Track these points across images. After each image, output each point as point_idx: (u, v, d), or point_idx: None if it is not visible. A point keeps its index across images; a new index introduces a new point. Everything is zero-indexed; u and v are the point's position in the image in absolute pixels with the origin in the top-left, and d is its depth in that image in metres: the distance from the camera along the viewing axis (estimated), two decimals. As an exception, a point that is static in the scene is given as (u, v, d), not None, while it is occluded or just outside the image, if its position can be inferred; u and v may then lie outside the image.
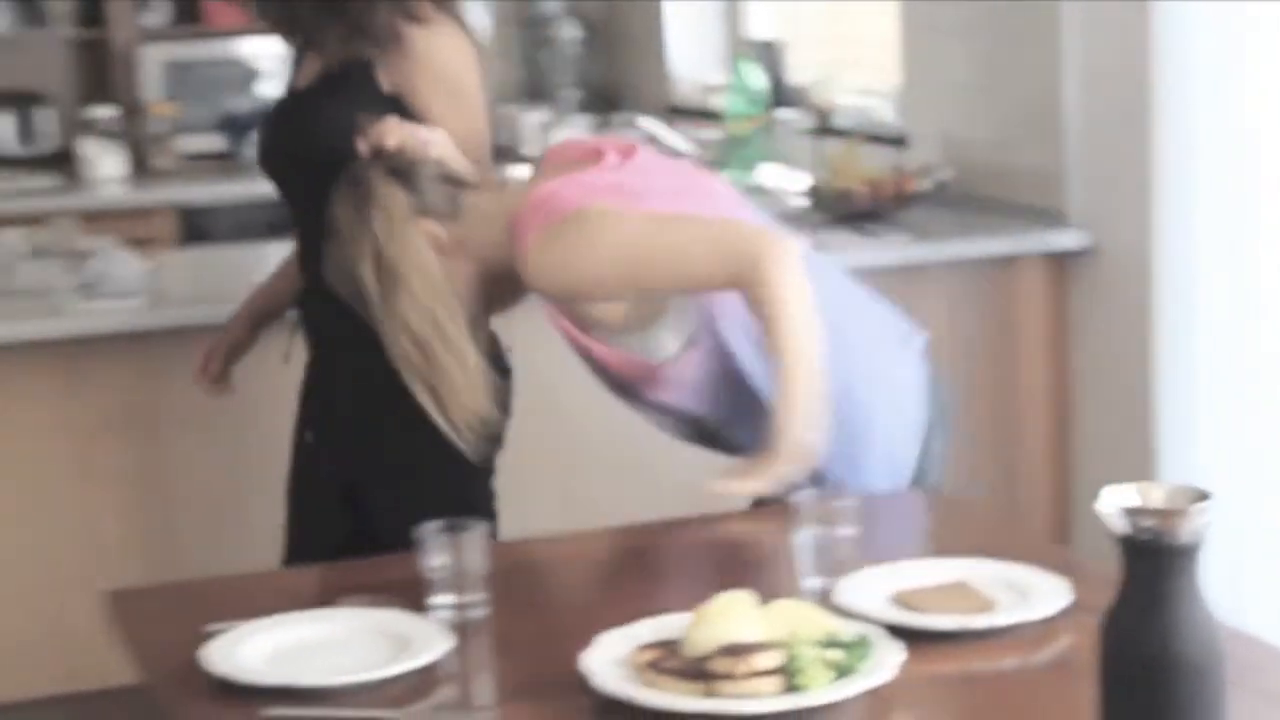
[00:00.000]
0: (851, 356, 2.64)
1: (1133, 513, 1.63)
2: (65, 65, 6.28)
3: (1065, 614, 2.15)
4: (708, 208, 2.64)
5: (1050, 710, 1.97)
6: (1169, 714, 1.62)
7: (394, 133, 2.70)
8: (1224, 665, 1.65)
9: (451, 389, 2.54)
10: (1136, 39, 3.86)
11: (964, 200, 4.34)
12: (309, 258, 2.98)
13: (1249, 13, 3.68)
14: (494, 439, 2.82)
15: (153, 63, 6.25)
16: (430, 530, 2.27)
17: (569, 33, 6.41)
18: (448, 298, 2.57)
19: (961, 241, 4.13)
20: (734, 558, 2.60)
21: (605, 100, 6.40)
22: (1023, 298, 4.15)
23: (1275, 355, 3.75)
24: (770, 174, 4.98)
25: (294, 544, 3.14)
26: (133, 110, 6.09)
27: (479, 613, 2.25)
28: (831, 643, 1.98)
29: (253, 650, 2.14)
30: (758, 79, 5.25)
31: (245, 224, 5.55)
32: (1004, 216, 4.23)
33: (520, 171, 4.46)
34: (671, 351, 2.60)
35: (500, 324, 2.84)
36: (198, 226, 5.76)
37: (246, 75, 6.32)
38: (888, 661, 1.98)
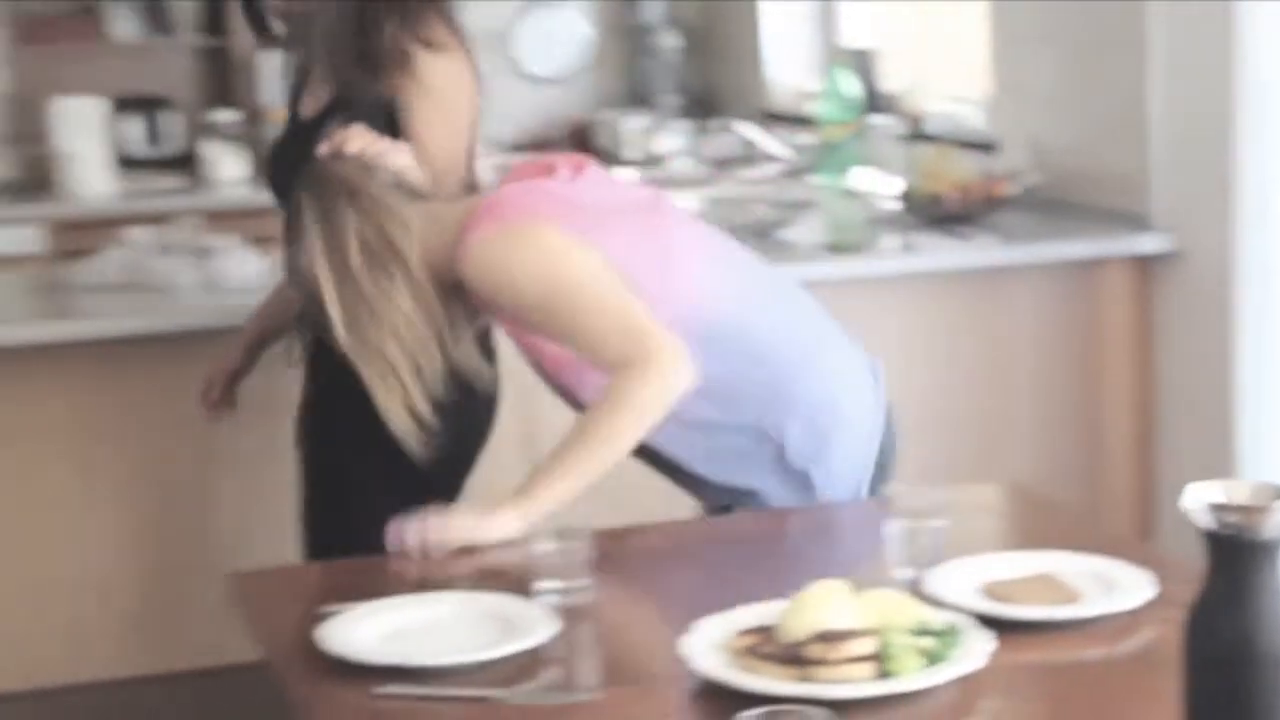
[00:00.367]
0: (826, 378, 2.73)
1: (1218, 509, 1.66)
2: (190, 71, 6.35)
3: (1150, 606, 2.17)
4: (654, 223, 2.71)
5: (1134, 700, 1.99)
6: (1251, 705, 1.65)
7: (356, 140, 2.77)
8: (1305, 657, 1.67)
9: (402, 386, 2.61)
10: (1220, 44, 3.85)
11: (1051, 204, 4.35)
12: None
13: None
14: (462, 459, 2.92)
15: (272, 69, 6.29)
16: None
17: (669, 41, 6.42)
18: (430, 298, 2.64)
19: (1048, 244, 4.14)
20: (828, 548, 2.64)
21: (703, 106, 6.40)
22: (1107, 300, 4.16)
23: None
24: (863, 178, 5.00)
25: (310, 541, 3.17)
26: (253, 114, 6.12)
27: (583, 598, 2.29)
28: (923, 631, 2.01)
29: (366, 631, 2.19)
30: (851, 86, 5.27)
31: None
32: (1089, 220, 4.23)
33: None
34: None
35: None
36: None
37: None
38: (977, 650, 2.01)
